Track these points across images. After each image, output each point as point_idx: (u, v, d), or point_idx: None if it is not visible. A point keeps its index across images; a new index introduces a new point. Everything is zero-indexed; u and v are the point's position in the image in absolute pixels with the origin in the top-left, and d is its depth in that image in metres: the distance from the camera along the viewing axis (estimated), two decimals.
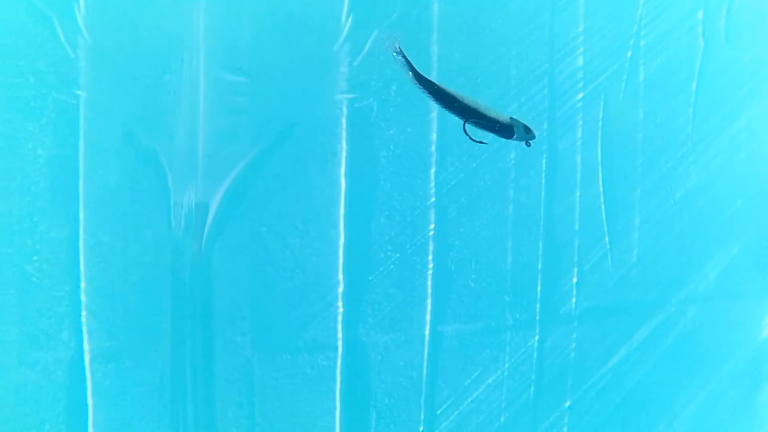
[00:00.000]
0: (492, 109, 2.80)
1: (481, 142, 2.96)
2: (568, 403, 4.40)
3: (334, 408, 3.96)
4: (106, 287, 3.56)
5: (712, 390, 4.76)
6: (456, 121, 4.04)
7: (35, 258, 3.43)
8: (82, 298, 3.51)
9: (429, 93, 2.90)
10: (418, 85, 2.92)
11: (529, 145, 2.94)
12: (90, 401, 3.56)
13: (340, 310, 3.95)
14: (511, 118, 2.79)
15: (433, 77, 3.88)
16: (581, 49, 4.32)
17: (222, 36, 3.69)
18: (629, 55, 4.42)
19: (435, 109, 4.01)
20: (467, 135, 2.93)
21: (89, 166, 3.50)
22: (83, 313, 3.52)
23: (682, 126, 4.56)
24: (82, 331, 3.51)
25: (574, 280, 4.37)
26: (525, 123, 2.78)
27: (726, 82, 4.68)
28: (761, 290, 4.86)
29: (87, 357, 3.54)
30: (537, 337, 4.32)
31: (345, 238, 3.93)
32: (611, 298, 4.48)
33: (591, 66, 4.33)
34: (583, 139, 4.36)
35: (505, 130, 2.85)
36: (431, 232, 4.09)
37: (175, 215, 3.64)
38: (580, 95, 4.34)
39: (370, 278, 4.01)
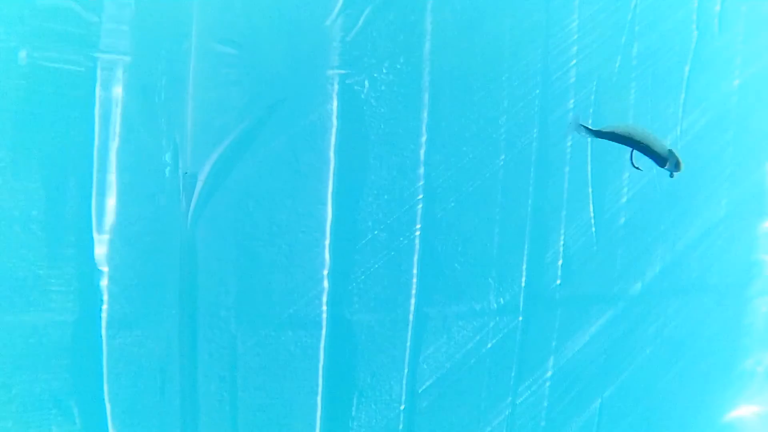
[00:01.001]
0: (658, 140, 3.02)
1: (638, 168, 3.17)
2: (548, 385, 4.49)
3: (317, 385, 4.03)
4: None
5: (690, 373, 4.88)
6: (447, 101, 4.12)
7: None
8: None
9: (612, 140, 3.14)
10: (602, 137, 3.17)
11: (672, 177, 3.15)
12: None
13: (326, 287, 4.01)
14: (669, 150, 3.01)
15: (427, 44, 3.97)
16: (576, 36, 4.37)
17: (214, 7, 3.71)
18: (623, 40, 4.48)
19: (427, 89, 4.07)
20: (632, 162, 3.13)
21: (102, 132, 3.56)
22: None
23: (673, 112, 4.64)
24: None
25: (560, 263, 4.45)
26: (678, 158, 2.99)
27: (718, 71, 4.76)
28: (743, 280, 4.98)
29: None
30: (520, 320, 4.40)
31: (333, 216, 3.99)
32: (595, 284, 4.57)
33: (584, 50, 4.39)
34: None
35: (660, 159, 3.06)
36: (419, 213, 4.14)
37: (162, 186, 3.68)
38: (572, 79, 4.40)
39: (357, 257, 4.06)
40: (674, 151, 3.06)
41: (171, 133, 3.67)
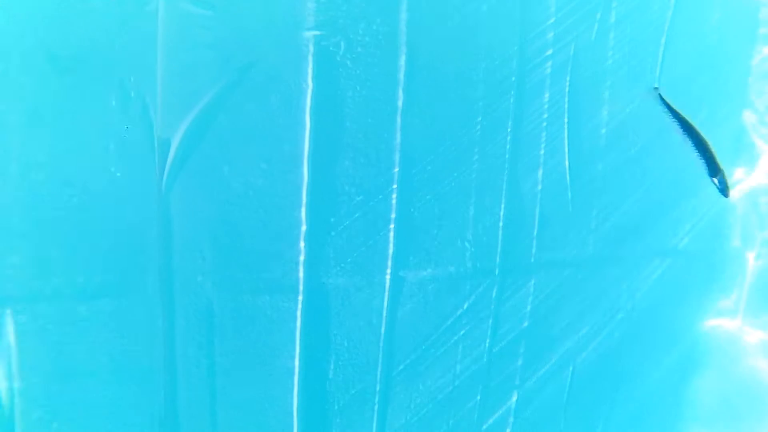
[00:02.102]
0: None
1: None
2: (523, 346, 4.62)
3: (294, 349, 4.11)
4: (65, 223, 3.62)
5: (662, 330, 5.04)
6: (424, 62, 4.15)
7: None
8: None
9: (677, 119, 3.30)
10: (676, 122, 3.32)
11: (725, 195, 3.37)
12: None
13: (302, 251, 4.06)
14: (722, 170, 3.24)
15: (404, 4, 4.01)
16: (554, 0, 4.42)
17: None
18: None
19: (404, 51, 4.09)
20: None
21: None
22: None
23: (649, 76, 4.72)
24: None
25: (535, 228, 4.53)
26: (728, 183, 3.23)
27: (695, 36, 4.83)
28: (715, 247, 5.12)
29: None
30: (496, 285, 4.49)
31: (308, 180, 4.02)
32: (569, 248, 4.67)
33: (563, 9, 4.43)
34: (551, 90, 4.49)
35: (714, 168, 3.25)
36: (396, 176, 4.19)
37: (138, 153, 3.68)
38: (551, 34, 4.44)
39: (333, 221, 4.11)
40: (726, 174, 3.25)
41: (140, 98, 3.66)
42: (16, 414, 3.66)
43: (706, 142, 3.35)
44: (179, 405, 3.92)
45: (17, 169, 3.57)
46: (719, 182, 3.26)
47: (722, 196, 3.35)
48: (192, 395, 3.93)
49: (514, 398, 4.64)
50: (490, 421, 4.60)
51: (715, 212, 5.08)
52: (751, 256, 5.18)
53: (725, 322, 5.18)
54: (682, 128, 3.37)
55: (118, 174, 3.69)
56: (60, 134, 3.59)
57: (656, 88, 3.39)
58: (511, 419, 4.66)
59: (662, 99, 3.44)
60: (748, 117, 5.12)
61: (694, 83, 4.88)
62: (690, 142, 3.38)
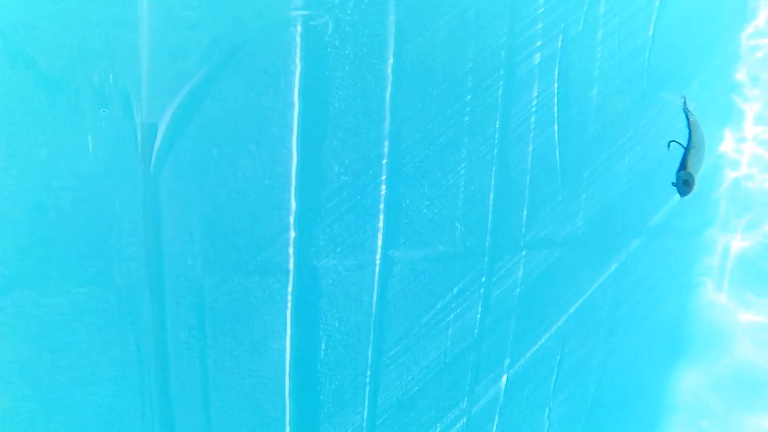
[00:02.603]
0: (700, 159, 3.31)
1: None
2: (513, 324, 4.67)
3: (285, 331, 4.13)
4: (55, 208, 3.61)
5: (648, 312, 5.11)
6: (413, 42, 4.15)
7: None
8: None
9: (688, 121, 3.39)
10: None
11: (675, 187, 3.39)
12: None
13: (292, 233, 4.07)
14: (690, 174, 3.27)
15: None
16: None
17: None
18: None
19: (393, 31, 4.09)
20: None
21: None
22: None
23: (639, 65, 4.75)
24: None
25: (525, 207, 4.57)
26: (691, 184, 3.24)
27: (684, 24, 4.86)
28: (700, 227, 5.19)
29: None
30: (486, 265, 4.53)
31: (297, 161, 4.03)
32: (559, 228, 4.71)
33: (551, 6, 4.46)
34: (541, 75, 4.50)
35: (683, 164, 3.30)
36: (385, 157, 4.20)
37: (122, 137, 3.67)
38: (539, 26, 4.46)
39: (323, 202, 4.12)
40: (693, 178, 3.29)
41: (123, 81, 3.64)
42: None
43: (698, 145, 3.41)
44: (171, 388, 3.94)
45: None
46: (682, 181, 3.31)
47: (679, 194, 3.39)
48: (184, 378, 3.96)
49: (504, 377, 4.70)
50: (481, 400, 4.66)
51: (702, 195, 5.13)
52: (734, 238, 5.25)
53: (711, 300, 5.26)
54: (688, 125, 3.45)
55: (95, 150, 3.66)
56: (41, 121, 3.55)
57: (683, 97, 3.47)
58: (502, 398, 4.72)
59: (685, 106, 3.54)
60: (734, 107, 5.18)
61: (682, 71, 4.92)
62: (687, 138, 3.45)
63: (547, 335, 4.82)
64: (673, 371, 5.28)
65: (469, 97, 4.32)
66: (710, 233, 5.21)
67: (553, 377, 4.87)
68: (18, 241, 3.56)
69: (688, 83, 4.94)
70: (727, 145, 5.17)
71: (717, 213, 5.21)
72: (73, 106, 3.57)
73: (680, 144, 3.40)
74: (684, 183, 3.27)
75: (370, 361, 4.36)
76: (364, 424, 4.38)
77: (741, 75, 5.07)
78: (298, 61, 3.93)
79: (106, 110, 3.61)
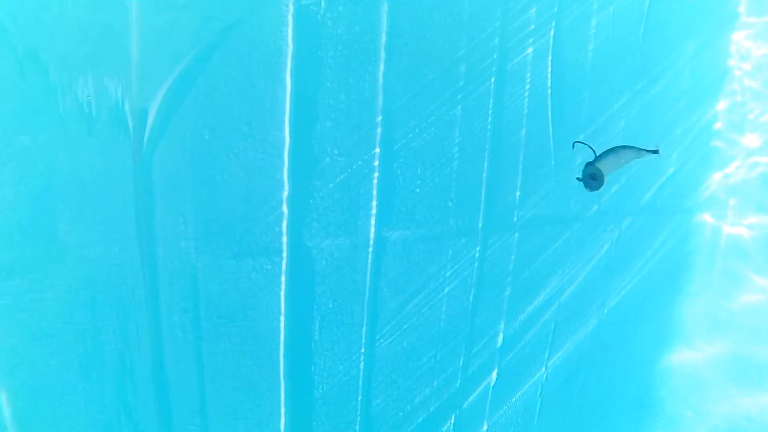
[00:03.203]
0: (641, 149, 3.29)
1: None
2: (506, 303, 4.72)
3: (279, 312, 4.16)
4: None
5: (640, 291, 5.17)
6: (406, 21, 4.12)
7: None
8: None
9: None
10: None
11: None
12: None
13: (285, 214, 4.08)
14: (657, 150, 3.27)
15: None
16: None
17: None
18: None
19: (386, 10, 4.06)
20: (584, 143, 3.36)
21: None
22: None
23: (633, 44, 4.75)
24: None
25: (518, 186, 4.59)
26: (598, 175, 3.16)
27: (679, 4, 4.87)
28: (691, 206, 5.23)
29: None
30: (479, 244, 4.56)
31: (290, 142, 4.02)
32: (552, 206, 4.74)
33: None
34: (534, 51, 4.49)
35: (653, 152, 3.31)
36: (378, 137, 4.20)
37: (112, 120, 3.64)
38: (533, 9, 4.44)
39: (316, 182, 4.12)
40: (601, 173, 3.23)
41: (112, 64, 3.61)
42: None
43: (620, 152, 3.38)
44: (166, 371, 3.96)
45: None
46: (588, 174, 3.26)
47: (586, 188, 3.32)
48: (178, 361, 3.98)
49: (497, 357, 4.75)
50: (474, 378, 4.72)
51: (695, 173, 5.17)
52: (727, 219, 5.31)
53: (703, 280, 5.33)
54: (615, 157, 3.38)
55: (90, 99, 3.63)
56: (26, 106, 3.52)
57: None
58: (495, 377, 4.78)
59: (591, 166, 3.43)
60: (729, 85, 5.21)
61: (677, 49, 4.92)
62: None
63: (540, 312, 4.86)
64: (664, 347, 5.36)
65: (463, 75, 4.31)
66: (703, 213, 5.25)
67: (546, 354, 4.93)
68: (7, 228, 3.54)
69: (681, 62, 4.94)
70: (721, 123, 5.19)
71: (710, 193, 5.24)
72: (61, 90, 3.53)
73: (591, 148, 3.36)
74: (591, 176, 3.24)
75: (363, 339, 4.39)
76: (359, 401, 4.43)
77: (734, 60, 5.09)
78: (290, 41, 3.90)
79: (89, 95, 3.57)
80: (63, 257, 3.65)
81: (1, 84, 3.43)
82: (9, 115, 3.46)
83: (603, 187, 3.23)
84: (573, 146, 3.67)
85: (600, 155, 3.28)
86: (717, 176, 5.28)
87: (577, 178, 3.23)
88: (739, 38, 5.12)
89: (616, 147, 3.35)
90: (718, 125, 5.28)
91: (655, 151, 3.45)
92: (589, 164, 3.26)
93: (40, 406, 3.73)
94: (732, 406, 5.28)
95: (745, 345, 5.32)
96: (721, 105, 5.24)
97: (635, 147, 3.41)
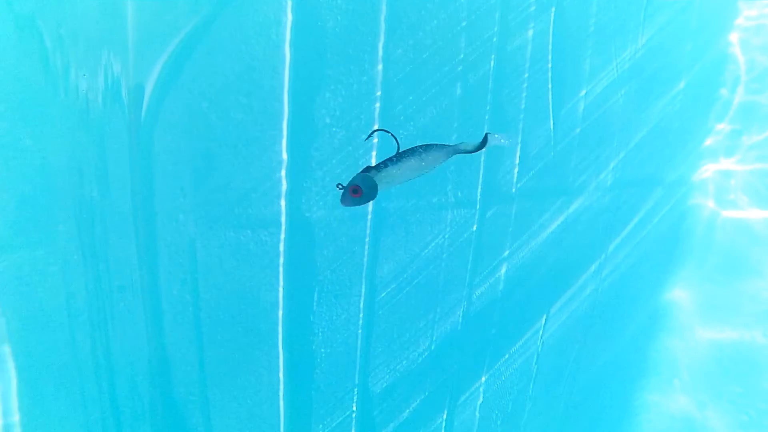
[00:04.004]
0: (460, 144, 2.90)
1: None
2: (503, 275, 4.74)
3: (278, 283, 4.17)
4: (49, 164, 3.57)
5: (637, 256, 5.19)
6: None
7: None
8: None
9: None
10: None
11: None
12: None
13: (284, 185, 4.07)
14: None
15: None
16: None
17: None
18: None
19: None
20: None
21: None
22: None
23: (636, 18, 4.69)
24: None
25: (517, 158, 4.57)
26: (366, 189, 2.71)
27: None
28: (687, 175, 5.22)
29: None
30: (477, 215, 4.56)
31: (289, 113, 3.99)
32: (551, 178, 4.72)
33: None
34: (535, 25, 4.43)
35: (481, 145, 2.90)
36: (377, 108, 4.16)
37: (109, 92, 3.60)
38: None
39: (315, 154, 4.10)
40: (374, 185, 2.77)
41: (109, 37, 3.55)
42: None
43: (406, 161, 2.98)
44: (166, 343, 4.00)
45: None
46: (351, 184, 2.78)
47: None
48: (178, 333, 4.01)
49: (493, 326, 4.79)
50: (471, 344, 4.76)
51: (693, 145, 5.14)
52: (730, 182, 5.30)
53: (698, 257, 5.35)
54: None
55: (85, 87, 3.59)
56: (21, 80, 3.47)
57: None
58: (490, 345, 4.83)
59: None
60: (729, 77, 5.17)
61: (678, 41, 4.87)
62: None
63: (535, 283, 4.89)
64: (661, 320, 5.41)
65: (463, 45, 4.26)
66: (701, 184, 5.25)
67: (542, 323, 4.97)
68: (4, 204, 3.53)
69: (683, 35, 4.88)
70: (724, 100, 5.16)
71: (710, 164, 5.23)
72: (59, 65, 3.49)
73: (395, 139, 2.99)
74: (353, 189, 2.70)
75: (362, 309, 4.42)
76: (357, 371, 4.48)
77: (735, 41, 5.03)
78: (289, 12, 3.84)
79: (86, 74, 3.53)
80: (60, 230, 3.65)
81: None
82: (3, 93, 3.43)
83: (370, 201, 2.77)
84: (367, 138, 3.25)
85: (393, 158, 2.83)
86: (717, 147, 5.26)
87: (338, 186, 2.68)
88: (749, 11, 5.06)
89: (420, 147, 2.90)
90: (720, 103, 5.24)
91: (482, 145, 3.02)
92: (367, 169, 2.70)
93: (44, 380, 3.78)
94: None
95: (741, 330, 5.37)
96: (727, 80, 5.19)
97: (449, 145, 2.97)
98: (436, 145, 2.84)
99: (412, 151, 2.77)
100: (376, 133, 3.37)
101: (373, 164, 3.00)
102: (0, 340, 3.64)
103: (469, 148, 2.95)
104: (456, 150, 2.91)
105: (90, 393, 3.93)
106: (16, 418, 3.75)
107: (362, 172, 2.60)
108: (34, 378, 3.76)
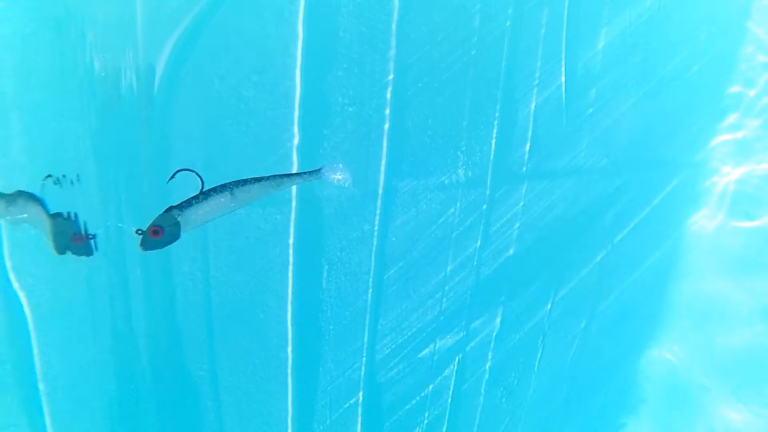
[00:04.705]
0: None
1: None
2: (512, 255, 4.73)
3: (288, 261, 4.18)
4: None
5: (644, 239, 5.19)
6: None
7: None
8: None
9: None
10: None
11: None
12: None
13: (295, 163, 4.04)
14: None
15: None
16: None
17: None
18: None
19: None
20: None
21: None
22: None
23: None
24: None
25: (528, 138, 4.53)
26: (156, 230, 2.51)
27: None
28: (699, 157, 5.17)
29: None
30: (488, 194, 4.54)
31: (301, 91, 3.95)
32: (561, 158, 4.69)
33: None
34: (549, 7, 4.37)
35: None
36: (390, 87, 4.12)
37: (120, 68, 3.57)
38: None
39: (326, 132, 4.07)
40: (177, 225, 2.56)
41: (119, 13, 3.50)
42: None
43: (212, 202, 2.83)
44: (177, 319, 4.02)
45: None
46: (151, 226, 2.56)
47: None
48: (188, 309, 4.03)
49: (502, 304, 4.80)
50: (478, 322, 4.78)
51: (706, 126, 5.09)
52: (734, 173, 5.27)
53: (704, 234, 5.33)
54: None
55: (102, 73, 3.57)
56: (31, 60, 3.45)
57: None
58: (498, 323, 4.84)
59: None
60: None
61: (695, 23, 4.80)
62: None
63: (544, 262, 4.88)
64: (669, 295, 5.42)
65: (477, 26, 4.20)
66: (711, 168, 5.21)
67: (549, 301, 4.97)
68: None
69: (701, 18, 4.81)
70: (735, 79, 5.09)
71: (720, 148, 5.18)
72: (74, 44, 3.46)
73: (199, 177, 2.79)
74: (153, 230, 2.47)
75: (370, 287, 4.43)
76: (365, 348, 4.51)
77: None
78: None
79: (105, 55, 3.50)
80: (74, 208, 3.65)
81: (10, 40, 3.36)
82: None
83: (172, 241, 2.52)
84: (169, 180, 3.08)
85: (198, 196, 2.58)
86: (727, 129, 5.21)
87: (137, 232, 2.52)
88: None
89: (232, 183, 2.69)
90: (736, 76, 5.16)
91: (315, 172, 2.83)
92: (170, 209, 2.56)
93: (50, 353, 3.81)
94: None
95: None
96: (740, 62, 5.12)
97: (270, 179, 2.77)
98: (252, 180, 2.71)
99: (222, 188, 2.62)
100: (183, 172, 3.21)
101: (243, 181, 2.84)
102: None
103: (298, 180, 2.82)
104: (280, 183, 2.76)
105: (99, 361, 3.97)
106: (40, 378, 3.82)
107: (165, 212, 2.44)
108: (54, 353, 3.80)
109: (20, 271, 3.73)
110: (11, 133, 3.52)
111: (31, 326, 3.81)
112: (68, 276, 3.76)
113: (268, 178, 2.75)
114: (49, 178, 3.33)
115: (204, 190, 2.56)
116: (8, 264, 3.70)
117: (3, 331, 3.80)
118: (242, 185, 2.75)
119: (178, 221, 2.52)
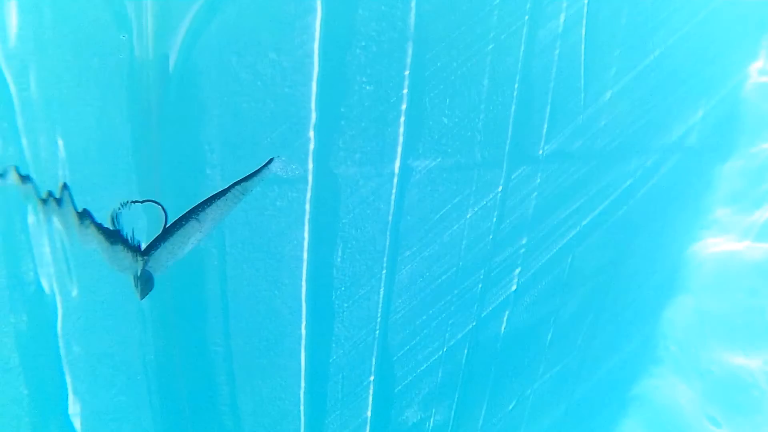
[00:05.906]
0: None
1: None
2: (525, 239, 4.69)
3: (303, 238, 4.16)
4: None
5: (659, 237, 5.13)
6: None
7: None
8: None
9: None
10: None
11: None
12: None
13: (312, 141, 4.00)
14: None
15: None
16: None
17: None
18: None
19: None
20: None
21: None
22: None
23: None
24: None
25: (545, 121, 4.46)
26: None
27: None
28: (722, 146, 5.08)
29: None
30: (503, 175, 4.49)
31: (319, 69, 3.90)
32: (577, 142, 4.62)
33: None
34: None
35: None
36: (408, 66, 4.06)
37: (137, 38, 3.54)
38: None
39: (343, 110, 4.03)
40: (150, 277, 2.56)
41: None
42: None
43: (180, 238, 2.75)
44: (192, 295, 4.02)
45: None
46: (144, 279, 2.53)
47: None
48: (204, 285, 4.03)
49: (514, 286, 4.78)
50: (491, 306, 4.76)
51: (725, 112, 4.99)
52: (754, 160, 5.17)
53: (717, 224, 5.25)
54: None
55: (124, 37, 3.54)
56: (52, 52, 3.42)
57: None
58: (511, 303, 4.82)
59: None
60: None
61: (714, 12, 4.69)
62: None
63: (558, 244, 4.84)
64: (676, 284, 5.37)
65: (496, 13, 4.12)
66: (730, 154, 5.12)
67: (561, 284, 4.95)
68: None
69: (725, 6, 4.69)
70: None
71: (738, 134, 5.08)
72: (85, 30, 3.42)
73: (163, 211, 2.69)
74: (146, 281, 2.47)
75: (384, 266, 4.41)
76: (378, 326, 4.50)
77: None
78: None
79: (125, 35, 3.46)
80: (87, 187, 3.65)
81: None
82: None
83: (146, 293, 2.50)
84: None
85: (162, 236, 2.45)
86: (748, 114, 5.10)
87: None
88: None
89: (191, 211, 2.62)
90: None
91: (260, 172, 2.76)
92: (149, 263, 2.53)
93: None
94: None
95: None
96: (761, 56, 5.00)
97: (230, 193, 2.67)
98: (210, 200, 2.63)
99: (185, 219, 2.54)
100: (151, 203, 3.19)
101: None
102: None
103: (255, 184, 2.76)
104: (243, 191, 2.71)
105: (117, 336, 3.99)
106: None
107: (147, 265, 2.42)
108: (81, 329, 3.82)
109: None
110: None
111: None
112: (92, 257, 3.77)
113: (229, 191, 2.71)
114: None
115: (166, 227, 2.52)
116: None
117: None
118: (203, 210, 2.70)
119: (149, 272, 2.50)
